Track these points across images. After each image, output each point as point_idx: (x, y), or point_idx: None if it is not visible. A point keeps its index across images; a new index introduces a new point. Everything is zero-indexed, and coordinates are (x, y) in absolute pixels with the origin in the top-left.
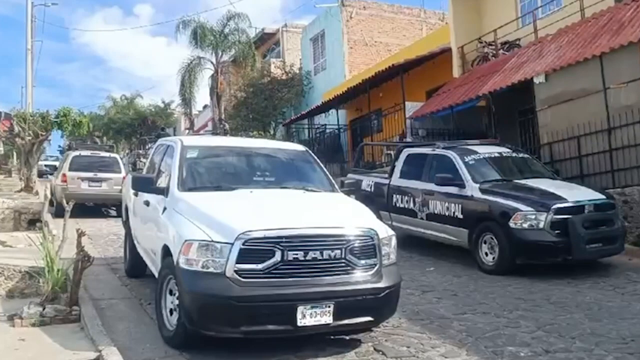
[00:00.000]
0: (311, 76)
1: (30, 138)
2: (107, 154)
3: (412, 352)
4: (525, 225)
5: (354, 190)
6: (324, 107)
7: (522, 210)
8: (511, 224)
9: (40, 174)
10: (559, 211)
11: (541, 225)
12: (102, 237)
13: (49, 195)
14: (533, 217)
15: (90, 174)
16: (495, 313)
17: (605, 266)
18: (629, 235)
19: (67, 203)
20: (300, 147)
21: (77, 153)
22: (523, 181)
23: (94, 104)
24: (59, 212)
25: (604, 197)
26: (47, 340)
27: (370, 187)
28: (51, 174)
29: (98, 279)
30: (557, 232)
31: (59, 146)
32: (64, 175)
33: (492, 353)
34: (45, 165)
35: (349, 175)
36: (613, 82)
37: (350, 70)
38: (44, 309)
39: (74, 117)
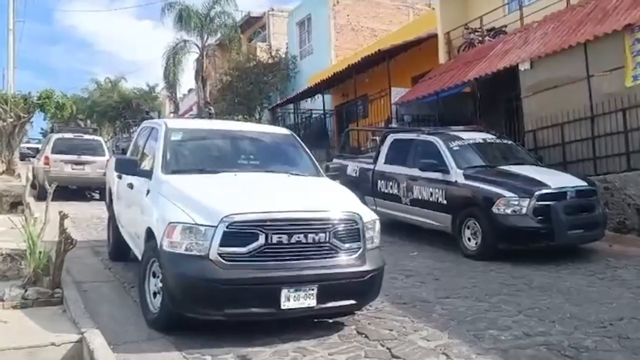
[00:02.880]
0: (297, 60)
1: (11, 120)
2: (90, 137)
3: (395, 335)
4: (508, 211)
5: (338, 175)
6: (310, 92)
7: (505, 196)
8: (494, 209)
9: (23, 157)
10: (542, 197)
11: (524, 211)
12: (85, 220)
13: (31, 178)
14: (516, 202)
15: (73, 157)
16: (477, 297)
17: (586, 252)
18: (610, 222)
19: (50, 186)
20: (285, 131)
21: (59, 135)
22: (507, 167)
23: (78, 87)
24: (41, 195)
25: (585, 183)
26: (29, 322)
27: (356, 172)
28: (33, 157)
29: (81, 262)
30: (539, 217)
31: (42, 129)
32: (46, 157)
33: (474, 336)
34: (28, 148)
35: (335, 160)
36: (597, 70)
37: (337, 55)
38: (25, 291)
39: (56, 99)
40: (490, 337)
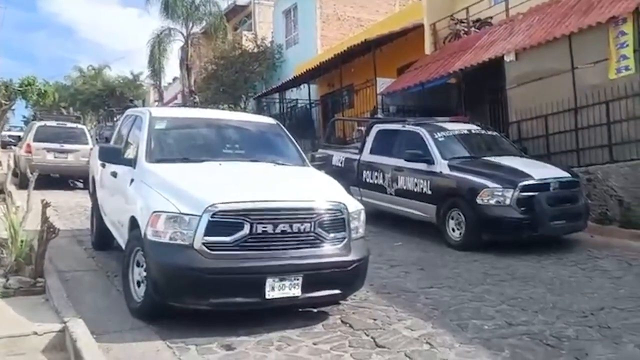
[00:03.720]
0: (283, 50)
1: None
2: (73, 125)
3: (379, 325)
4: (492, 202)
5: (324, 165)
6: (296, 82)
7: (489, 187)
8: (478, 200)
9: (4, 145)
10: (525, 188)
11: (507, 201)
12: (68, 209)
13: (12, 166)
14: (500, 193)
15: (56, 145)
16: (461, 287)
17: (568, 243)
18: (592, 213)
19: (32, 174)
20: (271, 120)
21: (42, 123)
22: (491, 158)
23: (62, 75)
24: (23, 184)
25: (569, 175)
26: (10, 311)
27: (341, 163)
28: (15, 145)
29: (64, 251)
30: (522, 208)
31: (24, 116)
32: (28, 145)
33: (457, 326)
34: (9, 136)
35: (320, 150)
36: (581, 62)
37: (323, 44)
38: (7, 280)
39: (38, 86)
40: (473, 326)
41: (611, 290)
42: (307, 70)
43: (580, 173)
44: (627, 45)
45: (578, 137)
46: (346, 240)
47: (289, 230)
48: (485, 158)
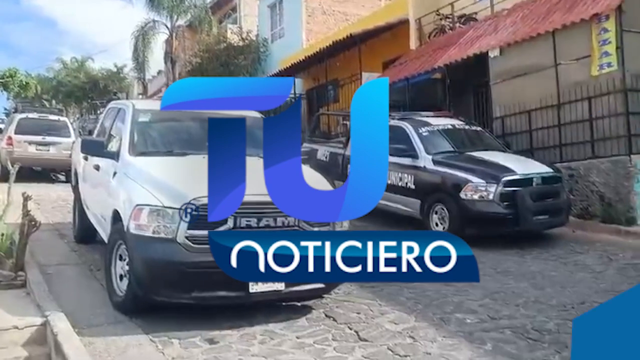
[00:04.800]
0: (268, 43)
1: None
2: (56, 117)
3: (362, 318)
4: (476, 197)
5: (308, 159)
6: (281, 75)
7: (473, 182)
8: (462, 195)
9: None
10: (508, 183)
11: (491, 196)
12: (50, 202)
13: None
14: (483, 188)
15: (38, 138)
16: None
17: (550, 238)
18: (574, 208)
19: (13, 166)
20: (255, 114)
21: (23, 115)
22: (475, 153)
23: (44, 66)
24: (4, 176)
25: (551, 170)
26: None
27: (326, 157)
28: None
29: (45, 244)
30: (505, 203)
31: (5, 108)
32: (9, 138)
33: (440, 320)
34: None
35: (305, 145)
36: (564, 58)
37: (308, 38)
38: None
39: (20, 78)
40: (456, 320)
41: (592, 284)
42: (292, 65)
43: (563, 169)
44: (610, 42)
45: (561, 133)
46: None
47: (273, 224)
48: (469, 153)
